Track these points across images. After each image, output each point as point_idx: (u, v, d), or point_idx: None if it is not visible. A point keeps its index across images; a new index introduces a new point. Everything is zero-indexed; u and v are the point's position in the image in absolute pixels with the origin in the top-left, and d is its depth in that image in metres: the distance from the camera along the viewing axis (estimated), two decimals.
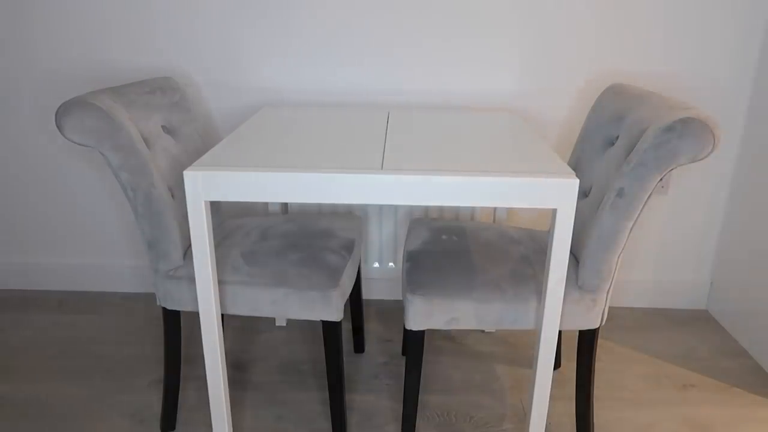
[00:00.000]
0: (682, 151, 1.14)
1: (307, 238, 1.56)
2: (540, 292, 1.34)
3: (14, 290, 2.26)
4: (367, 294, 2.22)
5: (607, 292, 1.37)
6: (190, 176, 1.13)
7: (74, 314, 2.11)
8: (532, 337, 1.97)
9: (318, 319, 1.39)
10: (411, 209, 2.08)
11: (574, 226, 1.43)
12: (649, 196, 1.22)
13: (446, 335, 1.99)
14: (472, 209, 2.06)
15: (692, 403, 1.68)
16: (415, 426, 1.47)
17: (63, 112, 1.23)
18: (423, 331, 1.38)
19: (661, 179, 1.20)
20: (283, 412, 1.62)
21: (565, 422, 1.59)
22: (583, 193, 1.50)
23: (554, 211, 1.17)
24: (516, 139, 1.45)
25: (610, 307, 2.20)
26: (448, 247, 1.51)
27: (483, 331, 2.02)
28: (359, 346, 1.89)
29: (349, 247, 1.55)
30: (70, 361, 1.84)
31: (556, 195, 1.14)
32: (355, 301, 1.84)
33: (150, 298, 2.22)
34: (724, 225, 2.09)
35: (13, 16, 1.93)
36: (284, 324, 2.05)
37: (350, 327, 1.94)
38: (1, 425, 1.56)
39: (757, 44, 1.89)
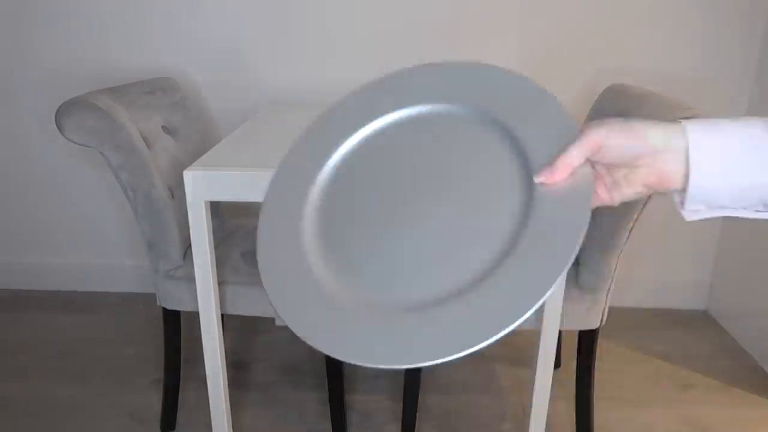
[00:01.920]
0: None
1: None
2: None
3: (14, 290, 2.26)
4: None
5: (607, 292, 1.37)
6: (190, 176, 1.13)
7: (74, 314, 2.11)
8: (532, 337, 1.97)
9: None
10: None
11: None
12: (649, 196, 1.22)
13: None
14: None
15: (692, 403, 1.68)
16: (415, 426, 1.47)
17: (63, 112, 1.23)
18: None
19: None
20: (283, 412, 1.62)
21: (565, 422, 1.59)
22: None
23: None
24: None
25: (610, 307, 2.20)
26: None
27: None
28: None
29: None
30: (70, 361, 1.84)
31: None
32: None
33: (150, 298, 2.22)
34: (724, 225, 2.09)
35: (13, 17, 1.93)
36: (284, 324, 2.05)
37: None
38: (1, 425, 1.56)
39: (757, 44, 1.89)
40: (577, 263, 1.38)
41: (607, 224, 1.26)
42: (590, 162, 0.57)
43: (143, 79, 1.62)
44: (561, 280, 0.56)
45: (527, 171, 0.61)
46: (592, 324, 1.38)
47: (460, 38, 1.91)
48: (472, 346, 0.53)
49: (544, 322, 1.29)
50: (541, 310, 1.31)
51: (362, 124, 0.73)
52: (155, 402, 1.65)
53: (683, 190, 0.55)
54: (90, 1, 1.90)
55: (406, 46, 1.92)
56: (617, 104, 1.47)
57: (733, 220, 2.04)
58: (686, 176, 0.54)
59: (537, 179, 0.58)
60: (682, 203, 0.57)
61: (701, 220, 0.60)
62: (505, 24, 1.89)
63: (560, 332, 1.33)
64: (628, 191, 0.59)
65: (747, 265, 1.96)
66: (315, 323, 0.63)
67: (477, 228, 0.60)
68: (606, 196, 0.60)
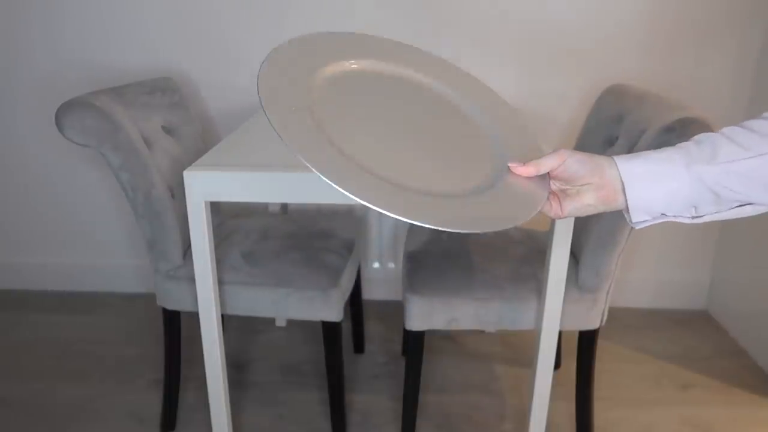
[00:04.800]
0: None
1: (307, 238, 1.56)
2: (540, 292, 1.34)
3: (14, 290, 2.26)
4: (367, 294, 2.22)
5: (607, 292, 1.37)
6: (190, 176, 1.13)
7: (74, 314, 2.11)
8: (532, 337, 1.97)
9: (318, 319, 1.39)
10: None
11: (574, 226, 1.43)
12: None
13: (446, 335, 1.99)
14: None
15: (692, 403, 1.68)
16: (415, 426, 1.47)
17: (63, 112, 1.23)
18: (423, 332, 1.38)
19: None
20: (283, 412, 1.62)
21: (565, 422, 1.59)
22: None
23: None
24: None
25: (610, 307, 2.20)
26: (448, 248, 1.51)
27: (483, 332, 2.02)
28: (359, 346, 1.89)
29: (348, 247, 1.55)
30: (70, 361, 1.84)
31: None
32: (355, 301, 1.84)
33: (150, 298, 2.22)
34: (724, 225, 2.09)
35: (12, 17, 1.93)
36: (284, 324, 2.05)
37: (350, 327, 1.94)
38: (1, 425, 1.56)
39: (756, 45, 1.89)
40: (576, 263, 1.38)
41: (607, 224, 1.27)
42: (549, 177, 0.74)
43: (143, 79, 1.62)
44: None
45: (502, 158, 0.76)
46: (592, 324, 1.39)
47: (461, 39, 1.91)
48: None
49: (544, 322, 1.29)
50: (541, 310, 1.31)
51: (384, 58, 0.83)
52: (155, 402, 1.65)
53: (627, 209, 0.71)
54: (90, 1, 1.90)
55: None
56: (617, 104, 1.47)
57: (733, 220, 2.03)
58: (624, 192, 0.70)
59: (510, 163, 0.75)
60: (630, 219, 0.72)
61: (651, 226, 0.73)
62: (506, 25, 1.89)
63: (560, 332, 1.33)
64: (579, 202, 0.73)
65: (747, 265, 1.96)
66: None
67: (453, 173, 0.73)
68: (557, 208, 0.75)
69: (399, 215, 0.62)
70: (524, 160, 0.74)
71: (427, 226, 0.63)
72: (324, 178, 0.61)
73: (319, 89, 0.74)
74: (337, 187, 0.61)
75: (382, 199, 0.63)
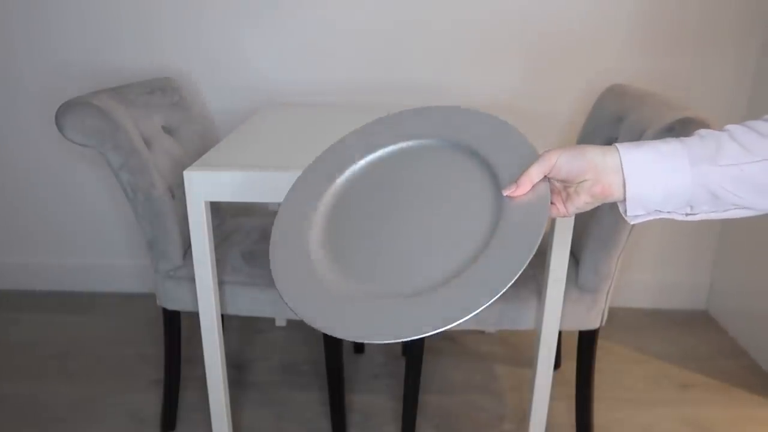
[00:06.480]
0: None
1: None
2: (540, 292, 1.34)
3: (14, 290, 2.26)
4: None
5: (607, 293, 1.37)
6: (190, 176, 1.13)
7: (74, 314, 2.11)
8: (532, 337, 1.97)
9: None
10: None
11: (574, 226, 1.43)
12: None
13: (446, 335, 1.99)
14: None
15: (692, 403, 1.68)
16: (415, 426, 1.47)
17: (63, 113, 1.23)
18: None
19: None
20: (283, 411, 1.62)
21: (565, 422, 1.59)
22: None
23: None
24: None
25: (610, 308, 2.20)
26: None
27: (483, 332, 2.02)
28: (359, 346, 1.89)
29: None
30: (70, 361, 1.84)
31: None
32: None
33: (150, 298, 2.22)
34: (724, 225, 2.09)
35: (13, 17, 1.93)
36: (284, 324, 2.05)
37: None
38: (1, 425, 1.56)
39: (756, 45, 1.89)
40: (576, 263, 1.38)
41: (607, 224, 1.27)
42: (548, 178, 0.72)
43: (143, 79, 1.62)
44: (523, 267, 0.68)
45: (497, 187, 0.75)
46: (592, 324, 1.39)
47: (461, 39, 1.91)
48: (460, 318, 0.66)
49: (544, 322, 1.29)
50: (541, 310, 1.31)
51: (363, 155, 0.89)
52: (155, 402, 1.65)
53: (624, 199, 0.69)
54: (91, 1, 1.90)
55: (406, 47, 1.93)
56: (617, 104, 1.47)
57: (733, 221, 2.03)
58: (623, 185, 0.68)
59: (505, 193, 0.73)
60: (626, 212, 0.71)
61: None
62: (507, 25, 1.89)
63: (560, 332, 1.33)
64: (578, 201, 0.71)
65: (747, 265, 1.96)
66: (316, 307, 0.76)
67: (457, 230, 0.75)
68: (562, 208, 0.74)
69: (429, 331, 0.66)
70: (515, 179, 0.72)
71: (460, 322, 0.65)
72: (344, 337, 0.72)
73: (315, 242, 0.82)
74: (360, 340, 0.71)
75: (410, 327, 0.68)
